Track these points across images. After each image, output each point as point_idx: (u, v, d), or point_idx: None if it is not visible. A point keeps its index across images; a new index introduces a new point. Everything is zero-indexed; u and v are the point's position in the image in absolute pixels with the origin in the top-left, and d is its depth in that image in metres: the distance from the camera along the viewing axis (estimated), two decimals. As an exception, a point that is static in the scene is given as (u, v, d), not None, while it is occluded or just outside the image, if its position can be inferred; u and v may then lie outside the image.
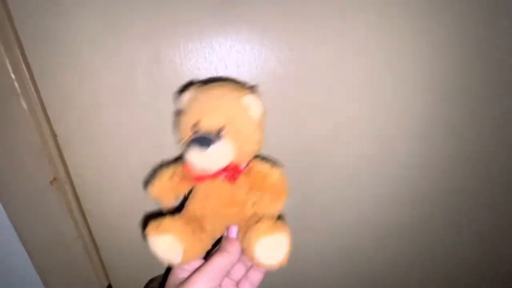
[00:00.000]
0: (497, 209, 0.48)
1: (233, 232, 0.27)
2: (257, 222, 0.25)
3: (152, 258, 0.26)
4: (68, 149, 0.36)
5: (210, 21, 0.32)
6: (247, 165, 0.26)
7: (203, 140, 0.22)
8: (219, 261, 0.26)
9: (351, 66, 0.36)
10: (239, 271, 0.29)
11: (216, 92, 0.25)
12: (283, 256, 0.25)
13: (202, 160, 0.23)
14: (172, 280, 0.27)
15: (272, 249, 0.24)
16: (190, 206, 0.27)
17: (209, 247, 0.27)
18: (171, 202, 0.27)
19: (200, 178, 0.25)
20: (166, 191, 0.27)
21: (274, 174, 0.25)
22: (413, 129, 0.40)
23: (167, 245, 0.25)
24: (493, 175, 0.45)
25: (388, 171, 0.43)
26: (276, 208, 0.25)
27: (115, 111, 0.35)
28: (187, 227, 0.25)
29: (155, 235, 0.25)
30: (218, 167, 0.24)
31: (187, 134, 0.25)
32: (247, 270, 0.29)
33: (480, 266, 0.54)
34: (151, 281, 0.44)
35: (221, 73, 0.34)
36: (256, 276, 0.29)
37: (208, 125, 0.23)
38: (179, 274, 0.27)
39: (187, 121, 0.25)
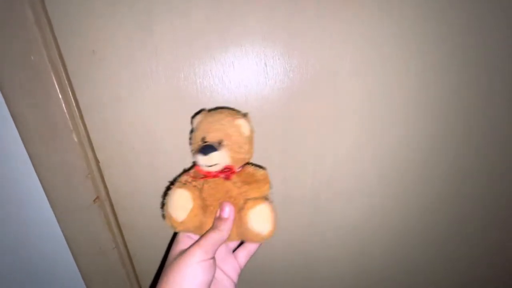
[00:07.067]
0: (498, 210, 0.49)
1: (225, 212, 0.31)
2: (246, 203, 0.32)
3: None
4: (108, 172, 0.44)
5: (221, 60, 0.38)
6: (242, 168, 0.34)
7: (208, 148, 0.31)
8: (212, 237, 0.30)
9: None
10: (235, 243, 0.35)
11: (217, 115, 0.33)
12: (270, 222, 0.31)
13: (206, 161, 0.31)
14: (172, 253, 0.31)
15: (260, 216, 0.31)
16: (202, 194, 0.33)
17: (205, 227, 0.32)
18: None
19: (207, 176, 0.33)
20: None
21: (259, 172, 0.34)
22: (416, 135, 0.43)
23: (183, 198, 0.31)
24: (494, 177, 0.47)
25: (390, 172, 0.46)
26: (260, 194, 0.33)
27: (145, 138, 0.42)
28: (200, 200, 0.32)
29: (178, 188, 0.31)
30: (217, 168, 0.32)
31: (198, 145, 0.32)
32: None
33: (481, 266, 0.54)
34: None
35: (231, 104, 0.40)
36: (252, 246, 0.34)
37: (211, 138, 0.32)
38: (178, 248, 0.32)
39: (197, 136, 0.33)
